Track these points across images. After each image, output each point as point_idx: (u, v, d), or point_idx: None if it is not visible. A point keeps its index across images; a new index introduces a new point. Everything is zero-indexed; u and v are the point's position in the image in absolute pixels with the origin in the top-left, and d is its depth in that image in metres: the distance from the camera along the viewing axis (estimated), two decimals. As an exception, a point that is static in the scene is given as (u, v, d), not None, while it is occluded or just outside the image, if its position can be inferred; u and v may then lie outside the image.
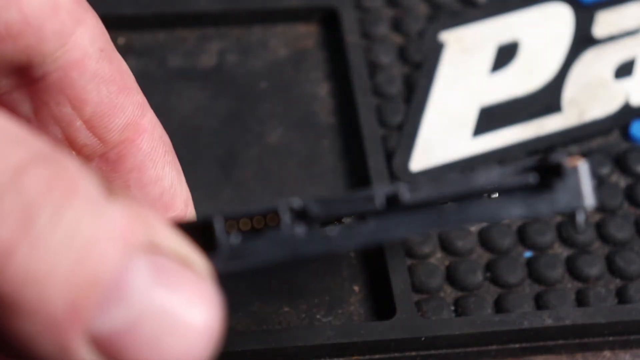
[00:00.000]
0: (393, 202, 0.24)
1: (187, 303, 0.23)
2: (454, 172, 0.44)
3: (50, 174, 0.22)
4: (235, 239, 0.24)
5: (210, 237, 0.24)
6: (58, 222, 0.22)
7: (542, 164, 0.25)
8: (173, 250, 0.23)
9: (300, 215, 0.24)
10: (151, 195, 0.34)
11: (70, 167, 0.22)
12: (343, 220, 0.27)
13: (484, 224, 0.25)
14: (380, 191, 0.24)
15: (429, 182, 0.24)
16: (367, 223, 0.24)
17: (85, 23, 0.31)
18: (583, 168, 0.25)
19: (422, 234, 0.25)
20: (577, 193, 0.24)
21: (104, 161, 0.33)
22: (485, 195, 0.25)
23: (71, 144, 0.32)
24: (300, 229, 0.24)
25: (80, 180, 0.22)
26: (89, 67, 0.31)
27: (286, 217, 0.24)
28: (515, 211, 0.24)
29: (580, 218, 0.25)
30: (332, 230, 0.24)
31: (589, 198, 0.24)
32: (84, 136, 0.32)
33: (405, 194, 0.24)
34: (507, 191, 0.25)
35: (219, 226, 0.24)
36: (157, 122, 0.34)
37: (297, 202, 0.24)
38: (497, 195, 0.25)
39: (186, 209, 0.35)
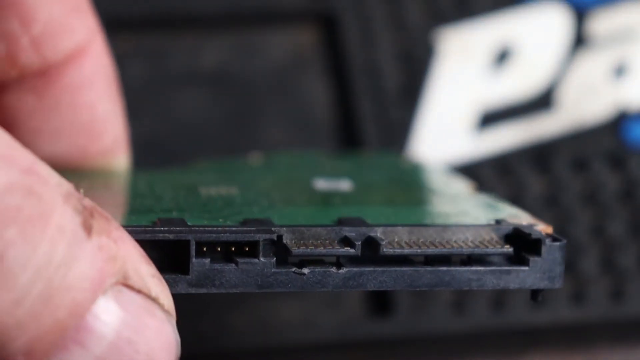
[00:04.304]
0: (370, 250, 0.24)
1: (148, 351, 0.22)
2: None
3: (27, 202, 0.20)
4: (206, 265, 0.24)
5: (181, 257, 0.24)
6: (28, 262, 0.20)
7: (520, 235, 0.25)
8: (145, 289, 0.22)
9: (281, 244, 0.24)
10: (81, 120, 0.32)
11: (48, 194, 0.21)
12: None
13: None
14: (363, 231, 0.24)
15: (409, 227, 0.25)
16: (340, 270, 0.24)
17: None
18: (560, 248, 0.25)
19: (393, 290, 0.26)
20: (550, 273, 0.25)
21: (41, 77, 0.31)
22: (459, 254, 0.25)
23: (12, 61, 0.30)
24: (274, 264, 0.24)
25: (59, 213, 0.21)
26: None
27: (262, 250, 0.24)
28: (488, 285, 0.25)
29: (540, 296, 0.25)
30: (306, 271, 0.24)
31: (559, 279, 0.25)
32: (28, 54, 0.30)
33: (384, 247, 0.24)
34: (479, 257, 0.25)
35: (193, 250, 0.24)
36: (105, 51, 0.32)
37: (279, 229, 0.24)
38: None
39: (116, 147, 0.33)
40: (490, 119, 0.45)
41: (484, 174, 0.44)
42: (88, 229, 0.21)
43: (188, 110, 0.44)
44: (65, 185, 0.21)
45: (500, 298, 0.42)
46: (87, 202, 0.22)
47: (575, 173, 0.45)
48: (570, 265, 0.43)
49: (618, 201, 0.44)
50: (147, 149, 0.44)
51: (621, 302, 0.42)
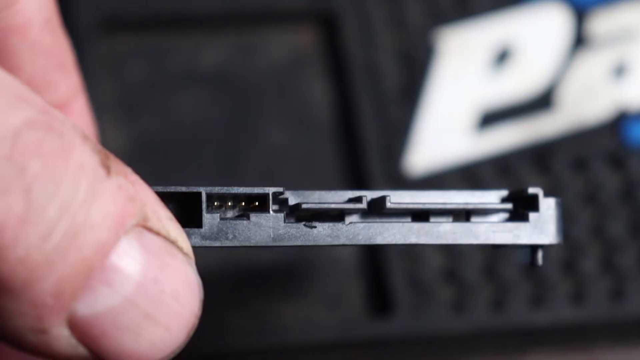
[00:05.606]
0: (377, 207, 0.25)
1: (173, 291, 0.22)
2: (453, 174, 0.44)
3: (48, 137, 0.20)
4: (219, 218, 0.24)
5: (194, 211, 0.24)
6: (54, 195, 0.20)
7: (518, 195, 0.25)
8: (164, 232, 0.22)
9: (287, 205, 0.24)
10: None
11: (68, 134, 0.21)
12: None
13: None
14: (367, 194, 0.25)
15: (411, 191, 0.25)
16: (349, 225, 0.25)
17: None
18: (556, 204, 0.25)
19: (401, 245, 0.26)
20: (549, 228, 0.25)
21: None
22: (462, 209, 0.25)
23: None
24: (285, 218, 0.24)
25: (79, 150, 0.21)
26: (31, 35, 0.29)
27: (273, 204, 0.24)
28: (491, 239, 0.25)
29: (540, 255, 0.25)
30: (316, 225, 0.24)
31: (558, 235, 0.25)
32: None
33: (390, 202, 0.24)
34: (481, 213, 0.25)
35: (205, 202, 0.24)
36: (88, 111, 0.32)
37: (286, 192, 0.24)
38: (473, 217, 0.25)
39: None
40: (490, 119, 0.45)
41: (484, 174, 0.44)
42: (107, 168, 0.21)
43: (188, 110, 0.45)
44: (79, 128, 0.21)
45: (500, 298, 0.42)
46: (101, 146, 0.22)
47: (575, 173, 0.45)
48: (570, 265, 0.43)
49: (618, 201, 0.44)
50: (147, 149, 0.44)
51: (621, 302, 0.42)
